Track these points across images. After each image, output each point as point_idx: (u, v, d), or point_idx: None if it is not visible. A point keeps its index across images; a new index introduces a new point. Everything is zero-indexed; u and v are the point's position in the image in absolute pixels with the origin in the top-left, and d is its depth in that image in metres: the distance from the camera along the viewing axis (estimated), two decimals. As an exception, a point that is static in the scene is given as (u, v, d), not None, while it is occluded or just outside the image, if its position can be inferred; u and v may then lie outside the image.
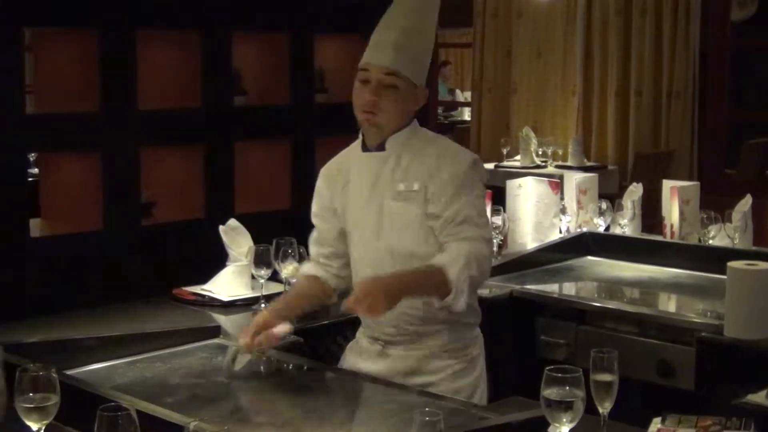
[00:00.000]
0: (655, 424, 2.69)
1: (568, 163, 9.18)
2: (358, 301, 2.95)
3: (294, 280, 3.67)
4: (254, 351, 3.26)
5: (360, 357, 3.36)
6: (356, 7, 5.13)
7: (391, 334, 3.26)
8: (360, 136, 3.32)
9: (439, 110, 13.59)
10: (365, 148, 3.29)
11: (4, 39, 3.96)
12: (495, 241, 4.76)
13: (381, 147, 3.25)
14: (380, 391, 3.15)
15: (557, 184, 5.17)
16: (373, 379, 3.23)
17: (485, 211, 3.26)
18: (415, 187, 3.17)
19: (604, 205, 5.17)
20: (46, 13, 4.15)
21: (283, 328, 3.25)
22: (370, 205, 3.24)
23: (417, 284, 3.06)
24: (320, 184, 3.44)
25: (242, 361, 3.37)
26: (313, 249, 3.51)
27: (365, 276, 3.22)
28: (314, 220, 3.47)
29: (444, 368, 3.26)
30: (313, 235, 3.50)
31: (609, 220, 5.16)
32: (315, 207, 3.46)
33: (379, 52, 3.19)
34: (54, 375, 2.44)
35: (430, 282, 3.03)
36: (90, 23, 4.25)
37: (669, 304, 4.51)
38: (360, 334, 3.42)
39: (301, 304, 3.41)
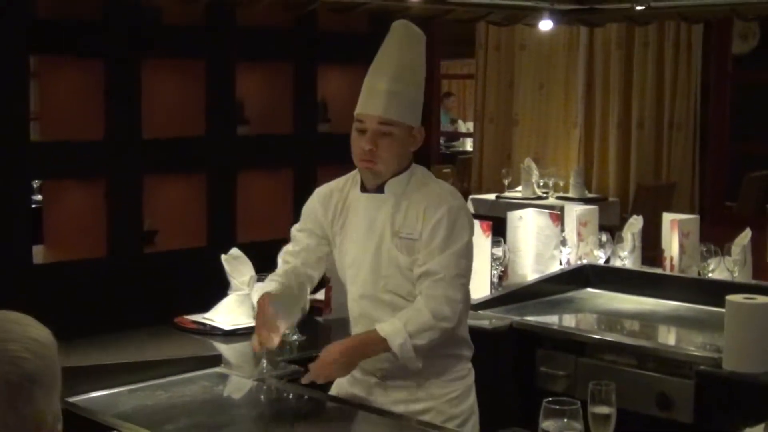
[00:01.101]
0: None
1: (570, 195, 9.19)
2: (317, 375, 3.14)
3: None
4: (265, 349, 3.27)
5: (351, 386, 3.38)
6: (359, 38, 5.17)
7: (386, 369, 3.28)
8: (359, 173, 3.35)
9: (441, 140, 13.62)
10: (363, 188, 3.34)
11: (10, 67, 3.98)
12: (495, 272, 4.78)
13: (380, 189, 3.30)
14: (379, 421, 3.17)
15: (558, 216, 5.18)
16: (373, 410, 3.24)
17: (461, 257, 3.23)
18: (415, 235, 3.21)
19: (604, 237, 5.19)
20: (52, 42, 4.18)
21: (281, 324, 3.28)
22: (367, 246, 3.28)
23: (369, 351, 3.19)
24: (315, 203, 3.45)
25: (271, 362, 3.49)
26: (285, 257, 3.50)
27: (363, 312, 3.31)
28: (298, 235, 3.47)
29: (442, 395, 3.29)
30: (288, 248, 3.51)
31: (609, 252, 5.18)
32: (301, 224, 3.48)
33: (373, 101, 3.24)
34: (56, 402, 2.45)
35: (379, 349, 3.16)
36: (95, 52, 4.28)
37: (668, 337, 4.52)
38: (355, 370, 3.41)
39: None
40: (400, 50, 3.30)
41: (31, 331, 1.75)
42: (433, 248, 3.17)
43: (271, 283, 3.39)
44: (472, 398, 3.38)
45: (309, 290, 3.51)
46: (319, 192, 3.48)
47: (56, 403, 1.79)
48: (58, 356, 1.80)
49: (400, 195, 3.27)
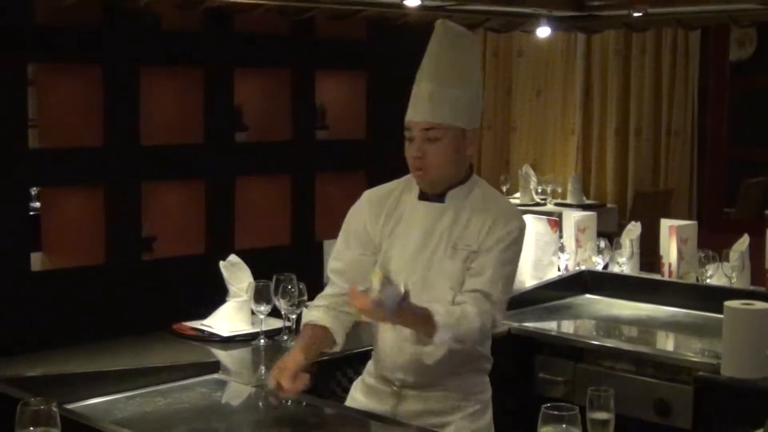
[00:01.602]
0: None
1: (568, 201, 9.20)
2: (368, 311, 2.90)
3: (303, 322, 3.43)
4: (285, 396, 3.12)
5: (368, 396, 3.34)
6: (358, 44, 5.17)
7: (404, 378, 3.23)
8: (413, 178, 3.27)
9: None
10: (422, 195, 3.27)
11: (7, 73, 3.98)
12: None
13: (440, 198, 3.23)
14: (379, 428, 3.16)
15: (556, 222, 5.19)
16: (371, 416, 3.24)
17: (510, 282, 3.22)
18: (474, 247, 3.15)
19: (602, 244, 5.20)
20: (50, 48, 4.18)
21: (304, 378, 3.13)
22: (420, 255, 3.20)
23: (412, 322, 3.01)
24: (363, 206, 3.34)
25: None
26: (333, 277, 3.35)
27: (395, 328, 3.18)
28: (341, 241, 3.36)
29: (460, 408, 3.25)
30: (336, 260, 3.36)
31: (607, 258, 5.18)
32: (349, 226, 3.35)
33: (417, 107, 3.17)
34: (55, 409, 2.45)
35: (419, 326, 3.00)
36: (94, 59, 4.28)
37: (667, 343, 4.53)
38: (369, 374, 3.37)
39: (310, 354, 3.21)
40: (441, 50, 3.21)
41: None
42: (495, 267, 3.11)
43: (318, 311, 3.28)
44: (490, 413, 3.35)
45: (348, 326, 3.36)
46: (370, 195, 3.37)
47: None
48: None
49: (461, 206, 3.21)
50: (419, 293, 3.09)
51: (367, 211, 3.32)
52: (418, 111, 3.16)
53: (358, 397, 3.38)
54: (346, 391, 3.63)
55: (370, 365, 3.39)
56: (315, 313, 3.28)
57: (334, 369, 3.88)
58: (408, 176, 3.30)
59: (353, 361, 3.84)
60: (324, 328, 3.24)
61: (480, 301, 3.07)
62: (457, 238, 3.17)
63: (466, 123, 3.18)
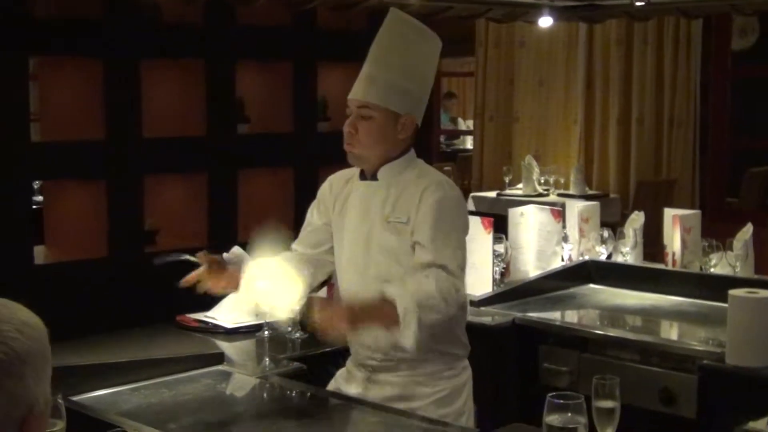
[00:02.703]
0: (658, 450, 2.70)
1: (570, 192, 9.18)
2: (321, 329, 3.04)
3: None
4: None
5: (347, 382, 3.41)
6: (359, 36, 5.16)
7: (377, 361, 3.30)
8: None
9: (442, 139, 13.61)
10: (362, 176, 3.36)
11: (9, 67, 3.98)
12: (497, 269, 4.78)
13: (374, 176, 3.32)
14: (383, 417, 3.16)
15: (559, 213, 5.18)
16: (376, 406, 3.24)
17: (459, 249, 3.20)
18: (404, 219, 3.21)
19: (606, 234, 5.19)
20: (52, 42, 4.18)
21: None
22: (360, 233, 3.30)
23: (370, 317, 3.07)
24: (325, 187, 3.51)
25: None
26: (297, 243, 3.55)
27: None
28: (308, 215, 3.54)
29: (429, 395, 3.28)
30: (302, 233, 3.56)
31: (611, 248, 5.18)
32: (314, 206, 3.54)
33: (355, 86, 3.31)
34: (60, 401, 2.45)
35: (381, 314, 3.02)
36: (95, 52, 4.28)
37: (671, 332, 4.52)
38: (349, 360, 3.46)
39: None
40: (385, 36, 3.34)
41: (20, 314, 1.76)
42: (435, 236, 3.13)
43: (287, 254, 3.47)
44: (463, 399, 3.35)
45: (314, 272, 3.48)
46: (332, 177, 3.53)
47: (47, 387, 1.79)
48: (47, 339, 1.79)
49: (392, 181, 3.28)
50: (364, 269, 3.25)
51: (327, 193, 3.49)
52: (355, 89, 3.31)
53: (340, 383, 3.45)
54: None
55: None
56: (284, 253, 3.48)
57: (339, 360, 3.88)
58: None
59: (348, 354, 3.85)
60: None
61: (434, 272, 3.08)
62: (390, 212, 3.25)
63: (399, 107, 3.26)
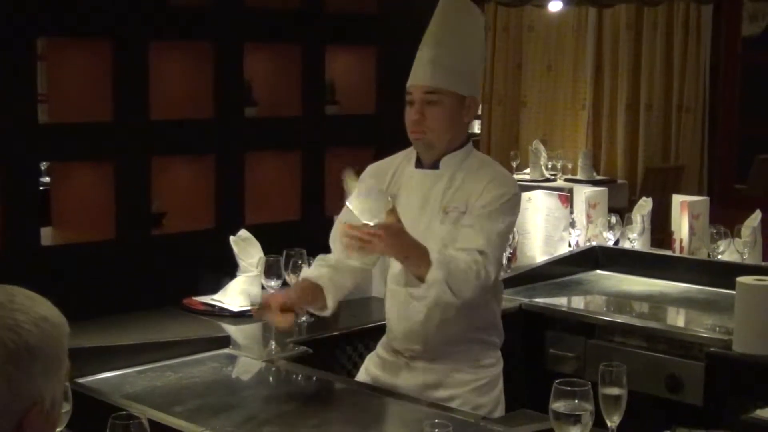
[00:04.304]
0: (665, 438, 2.69)
1: (578, 177, 9.18)
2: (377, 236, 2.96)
3: (300, 277, 3.54)
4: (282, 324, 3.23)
5: (381, 369, 3.38)
6: (368, 19, 5.15)
7: (416, 351, 3.27)
8: (414, 150, 3.34)
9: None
10: (419, 164, 3.31)
11: (17, 49, 3.97)
12: (504, 254, 4.76)
13: (435, 165, 3.28)
14: (389, 402, 3.17)
15: (567, 198, 5.17)
16: (382, 391, 3.24)
17: (502, 240, 3.22)
18: (462, 208, 3.19)
19: (613, 219, 5.18)
20: (60, 23, 4.16)
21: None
22: (417, 224, 3.21)
23: (408, 248, 3.04)
24: (366, 178, 3.33)
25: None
26: (334, 249, 3.41)
27: (401, 285, 3.24)
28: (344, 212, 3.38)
29: (468, 382, 3.28)
30: (336, 232, 3.37)
31: (618, 234, 5.17)
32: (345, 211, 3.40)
33: (418, 71, 3.25)
34: (66, 384, 2.45)
35: (421, 262, 3.02)
36: (103, 34, 4.27)
37: (678, 319, 4.51)
38: (381, 346, 3.42)
39: (299, 301, 3.29)
40: (444, 18, 3.29)
41: (42, 308, 1.74)
42: (484, 223, 3.12)
43: (319, 269, 3.34)
44: (499, 388, 3.37)
45: (354, 280, 3.43)
46: (372, 167, 3.45)
47: (57, 387, 1.75)
48: (66, 340, 1.78)
49: (456, 171, 3.24)
50: None
51: (370, 182, 3.33)
52: (418, 75, 3.24)
53: (371, 369, 3.41)
54: (357, 366, 3.64)
55: (384, 338, 3.42)
56: (314, 271, 3.35)
57: (345, 344, 3.89)
58: (408, 149, 3.37)
59: (364, 336, 3.85)
60: (318, 287, 3.28)
61: (472, 254, 3.08)
62: (449, 200, 3.22)
63: (465, 90, 3.24)
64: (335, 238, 3.33)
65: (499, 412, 3.34)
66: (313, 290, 3.28)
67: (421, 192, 3.27)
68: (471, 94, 3.27)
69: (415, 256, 3.05)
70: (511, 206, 3.21)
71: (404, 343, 3.28)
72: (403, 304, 3.25)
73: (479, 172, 3.23)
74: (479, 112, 12.07)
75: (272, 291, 3.57)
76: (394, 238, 3.01)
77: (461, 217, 3.18)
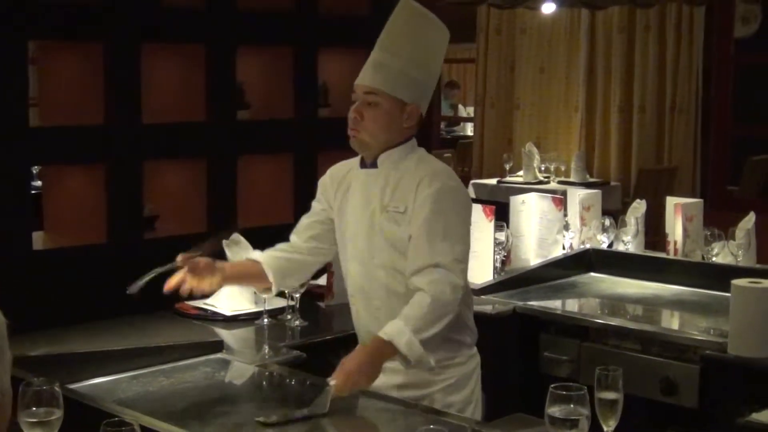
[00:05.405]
0: (660, 441, 2.68)
1: (571, 179, 9.18)
2: (341, 389, 3.03)
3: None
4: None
5: None
6: (361, 22, 5.13)
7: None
8: None
9: (442, 125, 13.59)
10: (363, 164, 3.34)
11: (8, 51, 3.95)
12: (498, 257, 4.75)
13: (374, 164, 3.30)
14: (383, 407, 3.15)
15: (561, 201, 5.16)
16: (375, 395, 3.22)
17: (455, 238, 3.18)
18: (401, 209, 3.21)
19: (607, 222, 5.18)
20: (51, 26, 4.15)
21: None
22: (362, 221, 3.29)
23: (383, 357, 3.10)
24: (326, 179, 3.51)
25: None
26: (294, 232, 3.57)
27: (359, 289, 3.32)
28: (314, 205, 3.55)
29: (436, 382, 3.27)
30: (302, 221, 3.57)
31: (612, 236, 5.16)
32: (317, 196, 3.54)
33: (363, 72, 3.30)
34: (57, 389, 2.43)
35: (389, 352, 3.07)
36: (95, 37, 4.25)
37: (672, 322, 4.51)
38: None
39: (230, 271, 3.50)
40: (396, 24, 3.32)
41: None
42: (429, 232, 3.13)
43: (261, 252, 3.53)
44: (471, 387, 3.35)
45: (311, 264, 3.57)
46: (332, 168, 3.52)
47: (4, 378, 1.86)
48: (5, 331, 1.89)
49: (392, 169, 3.27)
50: (369, 258, 3.25)
51: (327, 183, 3.49)
52: (363, 75, 3.29)
53: None
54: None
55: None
56: (258, 252, 3.54)
57: (339, 348, 3.86)
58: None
59: (349, 343, 3.83)
60: (257, 263, 3.47)
61: (427, 274, 3.10)
62: (389, 200, 3.24)
63: (406, 96, 3.25)
64: (298, 232, 3.53)
65: (471, 411, 3.32)
66: (248, 267, 3.51)
67: (364, 191, 3.31)
68: (414, 101, 3.27)
69: (382, 355, 3.09)
70: (450, 200, 3.19)
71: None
72: (371, 320, 3.32)
73: (413, 172, 3.24)
74: (471, 114, 12.09)
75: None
76: (361, 374, 3.06)
77: (402, 218, 3.20)
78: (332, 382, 3.04)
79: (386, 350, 3.07)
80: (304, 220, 3.54)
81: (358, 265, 3.32)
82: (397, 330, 3.05)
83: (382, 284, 3.26)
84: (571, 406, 2.42)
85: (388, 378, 3.26)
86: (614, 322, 4.26)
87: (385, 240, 3.23)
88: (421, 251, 3.13)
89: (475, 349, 3.40)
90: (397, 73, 3.24)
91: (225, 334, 3.91)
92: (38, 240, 4.30)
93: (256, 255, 3.53)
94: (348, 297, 3.43)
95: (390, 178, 3.26)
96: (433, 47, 3.35)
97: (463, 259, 3.21)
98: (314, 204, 3.53)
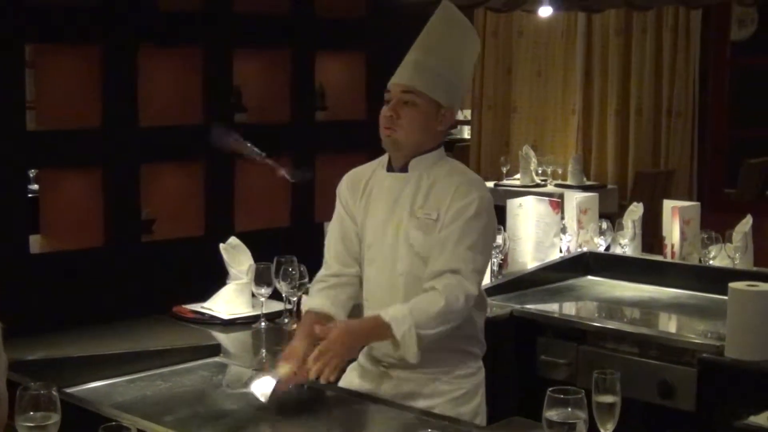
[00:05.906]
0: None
1: (568, 182, 9.18)
2: (317, 370, 3.00)
3: (304, 308, 3.44)
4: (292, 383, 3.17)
5: (361, 377, 3.36)
6: (358, 25, 5.14)
7: (395, 358, 3.23)
8: (387, 155, 3.33)
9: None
10: (390, 168, 3.31)
11: (5, 55, 3.95)
12: (495, 260, 4.75)
13: (404, 168, 3.27)
14: (381, 411, 3.14)
15: (558, 204, 5.16)
16: (374, 400, 3.22)
17: (479, 251, 3.18)
18: (434, 216, 3.17)
19: (604, 225, 5.17)
20: (48, 30, 4.15)
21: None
22: (387, 227, 3.24)
23: (371, 335, 3.12)
24: (343, 188, 3.42)
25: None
26: (329, 260, 3.41)
27: (376, 296, 3.27)
28: (333, 223, 3.44)
29: (446, 392, 3.25)
30: (330, 242, 3.42)
31: (609, 239, 5.16)
32: (337, 209, 3.43)
33: (401, 71, 3.26)
34: (55, 393, 2.43)
35: (382, 334, 3.07)
36: (92, 40, 4.25)
37: (670, 325, 4.50)
38: (363, 354, 3.40)
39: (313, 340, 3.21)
40: (436, 27, 3.29)
41: None
42: (457, 240, 3.11)
43: (320, 295, 3.34)
44: (479, 398, 3.33)
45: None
46: (348, 176, 3.45)
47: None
48: (1, 340, 1.81)
49: (424, 174, 3.23)
50: (392, 265, 3.21)
51: (346, 192, 3.40)
52: (401, 74, 3.25)
53: (349, 377, 3.40)
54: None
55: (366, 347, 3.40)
56: (316, 299, 3.34)
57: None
58: (384, 156, 3.36)
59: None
60: (326, 315, 3.28)
61: (445, 278, 3.10)
62: (419, 207, 3.21)
63: (442, 98, 3.23)
64: (339, 259, 3.38)
65: (479, 422, 3.31)
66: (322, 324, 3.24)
67: (391, 195, 3.27)
68: (448, 104, 3.25)
69: (374, 335, 3.11)
70: (481, 213, 3.17)
71: (383, 348, 3.25)
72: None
73: (447, 179, 3.21)
74: (468, 117, 12.08)
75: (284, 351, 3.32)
76: (342, 346, 3.05)
77: (432, 225, 3.17)
78: (282, 370, 3.06)
79: (380, 331, 3.06)
80: (339, 246, 3.39)
81: (375, 272, 3.28)
82: (401, 316, 3.03)
83: (399, 292, 3.21)
84: (569, 409, 2.42)
85: (395, 386, 3.26)
86: (612, 325, 4.26)
87: (409, 247, 3.19)
88: (444, 255, 3.12)
89: (481, 362, 3.39)
90: (436, 75, 3.22)
91: (222, 337, 3.91)
92: (35, 243, 4.30)
93: (318, 305, 3.32)
94: (363, 304, 3.38)
95: (422, 183, 3.23)
96: (469, 54, 3.36)
97: (481, 271, 3.22)
98: (337, 226, 3.40)
